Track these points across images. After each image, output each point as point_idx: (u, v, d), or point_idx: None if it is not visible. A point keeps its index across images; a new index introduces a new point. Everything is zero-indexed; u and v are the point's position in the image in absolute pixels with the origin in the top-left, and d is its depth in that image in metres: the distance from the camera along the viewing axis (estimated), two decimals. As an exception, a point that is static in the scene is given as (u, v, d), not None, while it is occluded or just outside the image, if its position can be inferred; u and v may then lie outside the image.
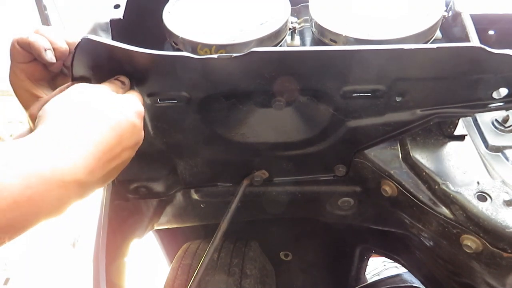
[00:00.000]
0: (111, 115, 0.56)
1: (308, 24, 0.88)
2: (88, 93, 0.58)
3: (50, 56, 0.66)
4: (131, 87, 0.69)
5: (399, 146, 0.86)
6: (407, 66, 0.70)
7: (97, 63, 0.66)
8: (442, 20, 0.81)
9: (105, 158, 0.53)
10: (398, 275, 1.55)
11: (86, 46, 0.63)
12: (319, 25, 0.80)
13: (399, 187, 0.83)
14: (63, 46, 0.68)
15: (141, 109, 0.63)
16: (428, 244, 0.89)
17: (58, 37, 0.68)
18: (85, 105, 0.55)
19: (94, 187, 0.55)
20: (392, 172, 0.84)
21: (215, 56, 0.65)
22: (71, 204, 0.51)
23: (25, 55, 0.68)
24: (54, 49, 0.67)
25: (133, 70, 0.68)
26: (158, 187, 0.96)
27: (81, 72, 0.66)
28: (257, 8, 0.83)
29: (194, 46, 0.76)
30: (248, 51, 0.65)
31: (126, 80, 0.67)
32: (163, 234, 1.42)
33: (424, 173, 0.81)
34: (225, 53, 0.70)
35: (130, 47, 0.63)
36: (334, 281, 1.57)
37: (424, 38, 0.78)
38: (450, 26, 0.87)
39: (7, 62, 0.71)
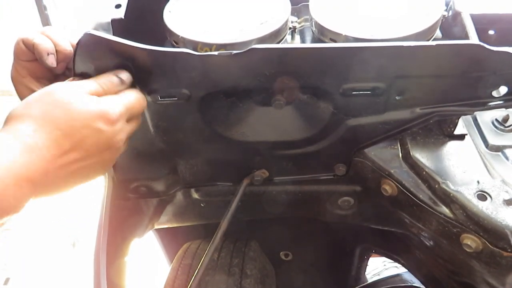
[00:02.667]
0: (65, 120, 0.56)
1: (309, 23, 0.88)
2: (54, 95, 0.58)
3: (51, 61, 0.67)
4: (133, 85, 0.68)
5: (399, 145, 0.86)
6: (407, 64, 0.70)
7: (98, 59, 0.66)
8: (442, 20, 0.81)
9: (61, 161, 0.56)
10: (398, 275, 1.55)
11: (88, 42, 0.64)
12: (319, 24, 0.80)
13: (399, 186, 0.83)
14: (68, 48, 0.68)
15: (112, 113, 0.60)
16: (428, 243, 0.89)
17: (63, 39, 0.69)
18: (45, 108, 0.57)
19: (53, 188, 0.58)
20: (392, 171, 0.84)
21: (215, 53, 0.66)
22: (28, 202, 0.53)
23: (29, 54, 0.68)
24: (58, 51, 0.68)
25: (134, 67, 0.68)
26: (158, 186, 0.97)
27: (83, 68, 0.66)
28: (258, 7, 0.83)
29: (194, 45, 0.77)
30: (248, 48, 0.65)
31: (126, 76, 0.66)
32: (163, 234, 1.42)
33: (424, 172, 0.81)
34: (225, 51, 0.70)
35: (131, 42, 0.64)
36: (334, 281, 1.57)
37: (424, 37, 0.78)
38: (450, 25, 0.87)
39: (8, 63, 0.71)
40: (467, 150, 0.84)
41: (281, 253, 1.48)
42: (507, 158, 0.84)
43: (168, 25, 0.80)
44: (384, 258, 1.82)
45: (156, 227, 1.14)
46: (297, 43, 0.90)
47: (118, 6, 0.86)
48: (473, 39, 0.81)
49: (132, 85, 0.68)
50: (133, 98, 0.66)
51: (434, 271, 1.12)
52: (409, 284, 1.46)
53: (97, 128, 0.59)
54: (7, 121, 0.56)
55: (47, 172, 0.54)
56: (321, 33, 0.81)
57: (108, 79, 0.65)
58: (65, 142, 0.56)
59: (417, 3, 0.82)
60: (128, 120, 0.65)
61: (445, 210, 0.78)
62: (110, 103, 0.61)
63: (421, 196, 0.81)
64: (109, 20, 0.83)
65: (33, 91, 0.69)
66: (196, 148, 0.89)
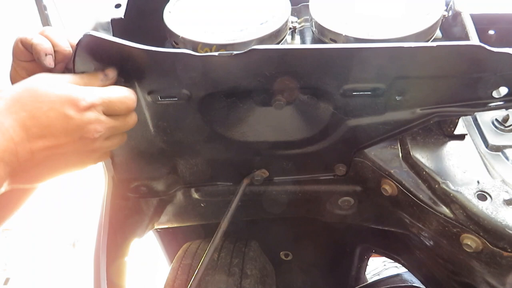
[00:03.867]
0: (31, 101, 0.57)
1: (309, 23, 0.88)
2: (28, 81, 0.59)
3: (49, 62, 0.66)
4: (128, 83, 0.68)
5: (399, 145, 0.86)
6: (407, 65, 0.70)
7: (98, 59, 0.66)
8: (442, 20, 0.81)
9: (31, 146, 0.56)
10: (398, 275, 1.55)
11: (88, 43, 0.64)
12: (319, 24, 0.80)
13: (399, 186, 0.83)
14: (67, 49, 0.68)
15: (81, 99, 0.59)
16: (428, 243, 0.90)
17: (62, 39, 0.68)
18: (15, 91, 0.58)
19: (31, 174, 0.58)
20: (392, 171, 0.84)
21: (215, 53, 0.66)
22: (4, 183, 0.54)
23: (27, 55, 0.68)
24: (56, 52, 0.67)
25: (134, 67, 0.68)
26: (159, 186, 0.97)
27: (82, 68, 0.66)
28: (258, 7, 0.83)
29: (194, 46, 0.76)
30: (248, 49, 0.65)
31: (111, 73, 0.66)
32: (163, 234, 1.42)
33: (424, 172, 0.81)
34: (226, 52, 0.70)
35: (131, 43, 0.64)
36: (334, 281, 1.57)
37: (424, 37, 0.78)
38: (450, 25, 0.87)
39: (7, 63, 0.71)
40: (467, 150, 0.84)
41: (281, 253, 1.48)
42: (507, 158, 0.84)
43: (168, 25, 0.80)
44: (384, 258, 1.82)
45: (156, 227, 1.14)
46: (297, 44, 0.90)
47: (118, 6, 0.86)
48: (474, 39, 0.81)
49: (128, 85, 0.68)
50: (115, 93, 0.64)
51: (434, 271, 1.12)
52: (409, 284, 1.46)
53: (64, 113, 0.57)
54: None
55: (16, 153, 0.55)
56: (321, 33, 0.81)
57: (92, 74, 0.65)
58: (32, 125, 0.56)
59: (417, 3, 0.82)
60: (108, 113, 0.63)
61: (445, 210, 0.78)
62: (82, 91, 0.60)
63: (421, 196, 0.81)
64: (109, 20, 0.83)
65: None
66: (196, 148, 0.89)
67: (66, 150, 0.60)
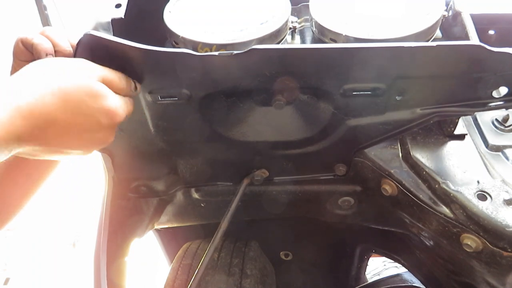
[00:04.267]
0: (54, 79, 0.56)
1: (309, 23, 0.88)
2: (53, 61, 0.59)
3: None
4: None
5: (399, 145, 0.86)
6: (407, 65, 0.70)
7: (98, 59, 0.66)
8: (442, 20, 0.81)
9: (39, 120, 0.54)
10: (398, 275, 1.55)
11: (88, 42, 0.64)
12: (319, 24, 0.80)
13: (399, 186, 0.83)
14: (67, 49, 0.68)
15: (107, 75, 0.61)
16: (428, 243, 0.90)
17: (63, 39, 0.68)
18: (35, 69, 0.57)
19: (38, 149, 0.57)
20: (392, 171, 0.84)
21: (215, 53, 0.66)
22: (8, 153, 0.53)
23: (27, 54, 0.68)
24: (57, 52, 0.67)
25: (134, 67, 0.68)
26: (159, 185, 0.97)
27: None
28: (258, 7, 0.83)
29: (194, 46, 0.76)
30: (248, 49, 0.65)
31: (138, 86, 0.69)
32: (163, 234, 1.42)
33: (424, 172, 0.81)
34: (226, 52, 0.70)
35: (132, 43, 0.64)
36: (334, 281, 1.57)
37: (424, 37, 0.78)
38: (450, 25, 0.87)
39: (7, 62, 0.71)
40: (467, 150, 0.84)
41: (281, 253, 1.48)
42: (507, 158, 0.84)
43: (168, 25, 0.80)
44: (384, 258, 1.82)
45: (156, 227, 1.14)
46: (297, 44, 0.89)
47: (118, 5, 0.86)
48: (474, 39, 0.80)
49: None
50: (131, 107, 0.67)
51: (434, 271, 1.12)
52: (409, 284, 1.46)
53: (89, 86, 0.58)
54: None
55: (40, 115, 0.53)
56: (321, 33, 0.81)
57: (125, 78, 0.66)
58: (68, 101, 0.56)
59: (417, 3, 0.82)
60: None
61: (445, 210, 0.78)
62: (120, 102, 0.63)
63: (421, 196, 0.81)
64: (109, 20, 0.83)
65: None
66: (196, 148, 0.89)
67: (91, 127, 0.60)
